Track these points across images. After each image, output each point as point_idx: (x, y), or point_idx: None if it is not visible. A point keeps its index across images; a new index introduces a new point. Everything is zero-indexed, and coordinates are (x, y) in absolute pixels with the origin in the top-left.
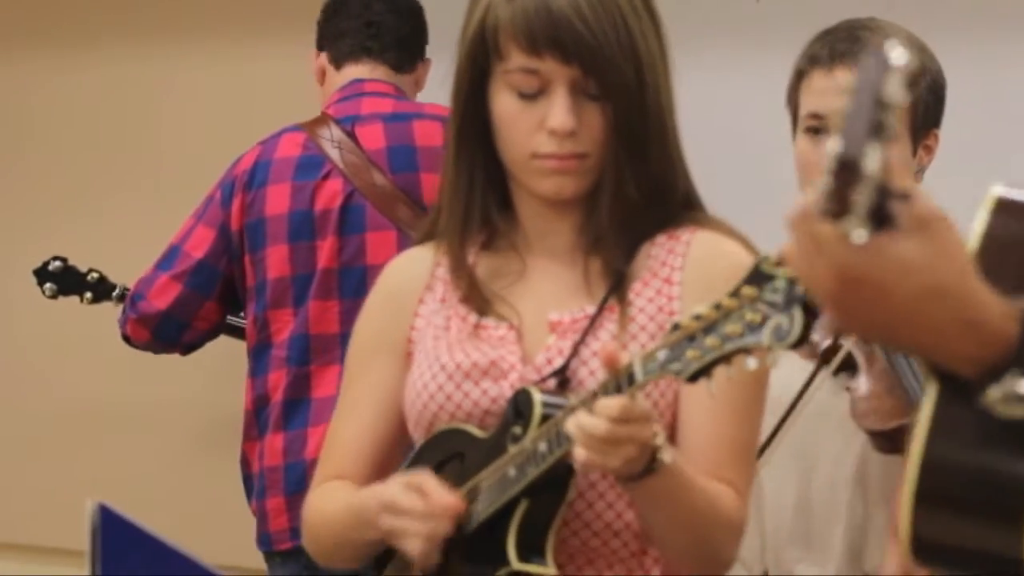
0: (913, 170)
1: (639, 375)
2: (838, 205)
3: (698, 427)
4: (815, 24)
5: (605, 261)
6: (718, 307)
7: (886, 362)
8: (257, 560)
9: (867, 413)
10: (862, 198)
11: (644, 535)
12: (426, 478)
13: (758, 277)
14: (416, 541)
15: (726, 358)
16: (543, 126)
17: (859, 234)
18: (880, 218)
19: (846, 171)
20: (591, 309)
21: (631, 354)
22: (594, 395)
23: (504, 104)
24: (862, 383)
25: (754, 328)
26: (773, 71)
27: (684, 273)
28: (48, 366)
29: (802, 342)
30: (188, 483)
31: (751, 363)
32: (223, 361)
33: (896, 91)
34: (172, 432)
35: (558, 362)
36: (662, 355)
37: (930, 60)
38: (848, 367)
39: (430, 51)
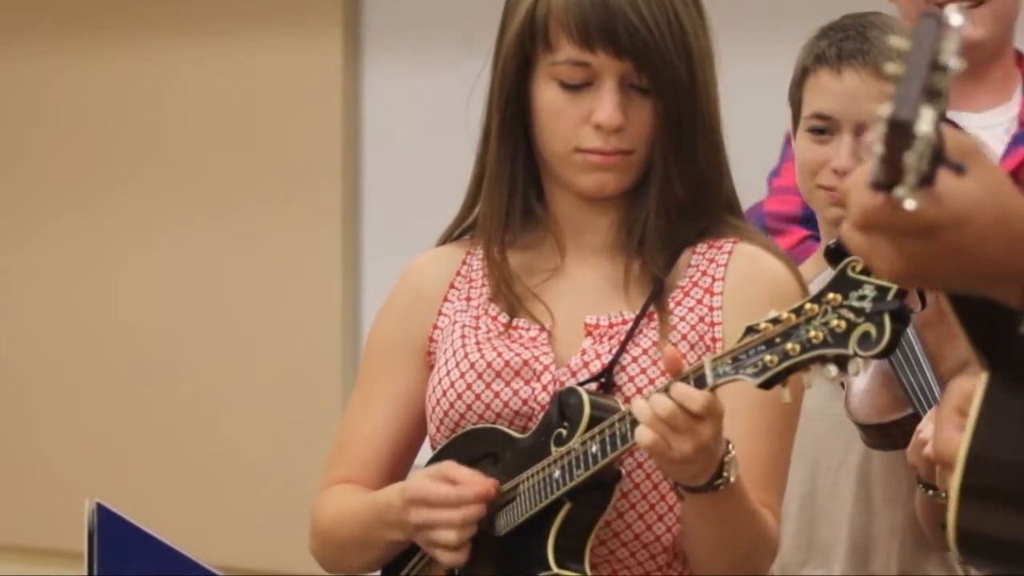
0: None
1: (710, 378)
2: (890, 171)
3: (736, 443)
4: (826, 16)
5: (645, 265)
6: (799, 311)
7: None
8: (257, 560)
9: (861, 407)
10: (914, 161)
11: (674, 550)
12: (451, 466)
13: (843, 282)
14: (450, 532)
15: (805, 365)
16: (588, 120)
17: (910, 203)
18: (930, 179)
19: (898, 134)
20: (628, 314)
21: (701, 363)
22: (664, 390)
23: (548, 96)
24: (856, 377)
25: (838, 335)
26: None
27: (725, 284)
28: (48, 366)
29: (890, 351)
30: (188, 483)
31: (832, 371)
32: (221, 359)
33: (953, 55)
34: (172, 432)
35: (594, 365)
36: (735, 359)
37: None
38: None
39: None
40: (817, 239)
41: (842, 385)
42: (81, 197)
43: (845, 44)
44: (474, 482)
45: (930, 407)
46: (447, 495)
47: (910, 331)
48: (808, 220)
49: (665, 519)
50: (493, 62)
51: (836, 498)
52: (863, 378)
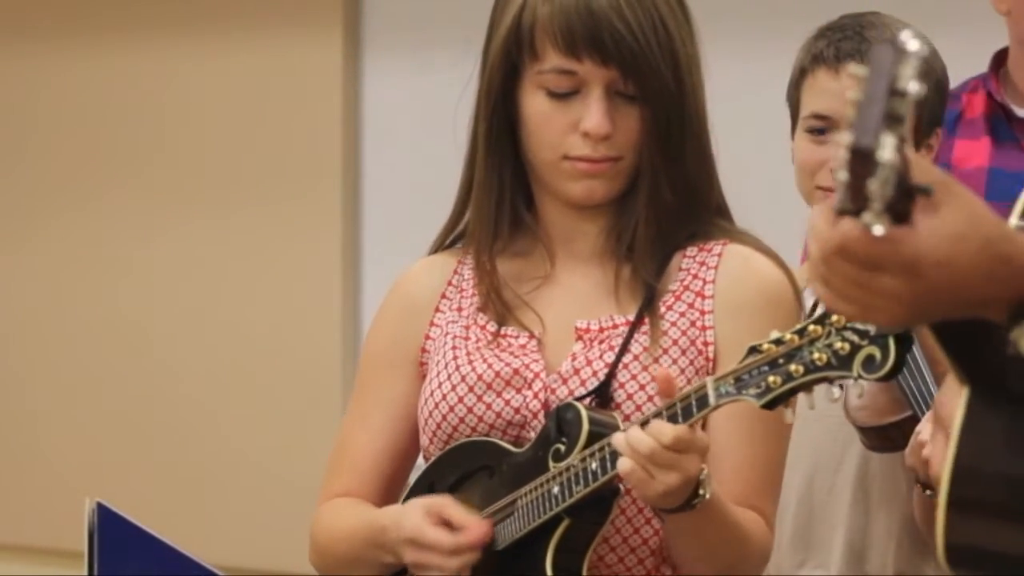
0: None
1: (712, 398)
2: (856, 198)
3: (729, 451)
4: (823, 16)
5: (636, 271)
6: (802, 333)
7: None
8: (257, 560)
9: (860, 409)
10: (878, 188)
11: (662, 554)
12: (447, 504)
13: None
14: None
15: (809, 386)
16: (576, 128)
17: (878, 228)
18: (901, 208)
19: (860, 162)
20: (619, 319)
21: (703, 383)
22: (657, 415)
23: (536, 104)
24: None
25: (842, 357)
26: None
27: (716, 287)
28: (48, 365)
29: (894, 375)
30: (188, 483)
31: (836, 392)
32: (221, 359)
33: (911, 79)
34: (173, 432)
35: (585, 371)
36: (737, 379)
37: (935, 58)
38: None
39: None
40: None
41: (840, 387)
42: (81, 197)
43: (843, 44)
44: (471, 530)
45: (928, 409)
46: (442, 543)
47: None
48: None
49: (653, 522)
50: (480, 70)
51: (834, 499)
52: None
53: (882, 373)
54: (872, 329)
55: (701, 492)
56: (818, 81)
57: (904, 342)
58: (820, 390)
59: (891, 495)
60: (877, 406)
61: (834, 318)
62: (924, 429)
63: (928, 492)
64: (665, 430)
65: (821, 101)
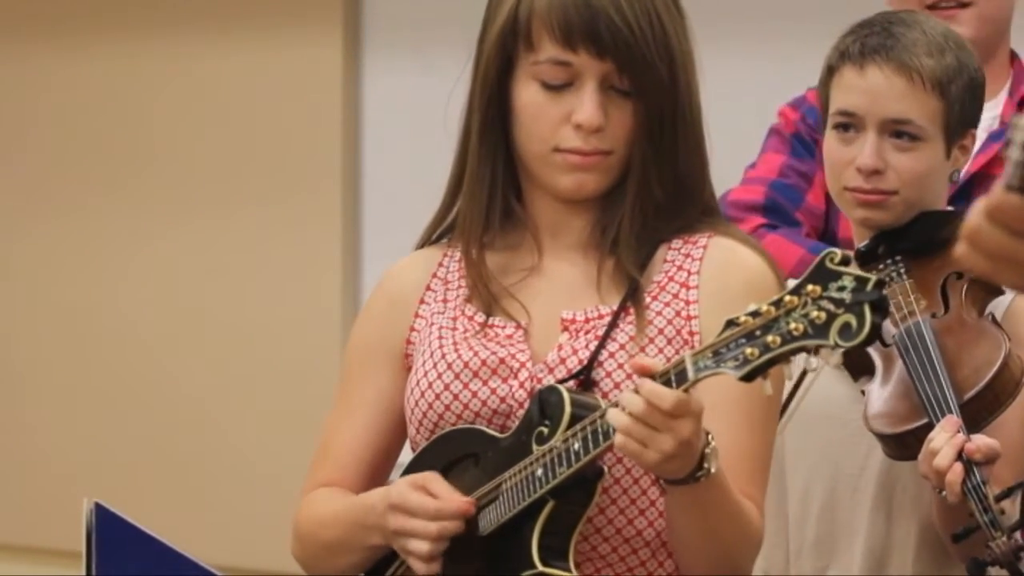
0: (946, 171)
1: (691, 373)
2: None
3: (717, 437)
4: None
5: (620, 263)
6: (778, 304)
7: (903, 366)
8: (257, 560)
9: (878, 416)
10: None
11: (655, 543)
12: (434, 478)
13: (822, 274)
14: (423, 542)
15: (786, 357)
16: (569, 120)
17: None
18: None
19: None
20: (604, 309)
21: (682, 358)
22: (635, 390)
23: (529, 95)
24: (876, 386)
25: (818, 326)
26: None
27: (701, 278)
28: (47, 366)
29: (870, 342)
30: (188, 483)
31: (813, 362)
32: (221, 359)
33: None
34: (172, 432)
35: (571, 361)
36: (716, 352)
37: (968, 57)
38: (866, 371)
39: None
40: (773, 227)
41: (863, 393)
42: (81, 197)
43: (869, 40)
44: (451, 498)
45: (943, 415)
46: (425, 506)
47: (929, 338)
48: (771, 210)
49: (647, 514)
50: (475, 62)
51: (856, 503)
52: (883, 388)
53: (858, 340)
54: (848, 298)
55: (706, 466)
56: (844, 78)
57: (879, 310)
58: (845, 395)
59: (914, 501)
60: (894, 413)
61: (809, 288)
62: (937, 437)
63: (942, 493)
64: (662, 393)
65: (846, 98)
